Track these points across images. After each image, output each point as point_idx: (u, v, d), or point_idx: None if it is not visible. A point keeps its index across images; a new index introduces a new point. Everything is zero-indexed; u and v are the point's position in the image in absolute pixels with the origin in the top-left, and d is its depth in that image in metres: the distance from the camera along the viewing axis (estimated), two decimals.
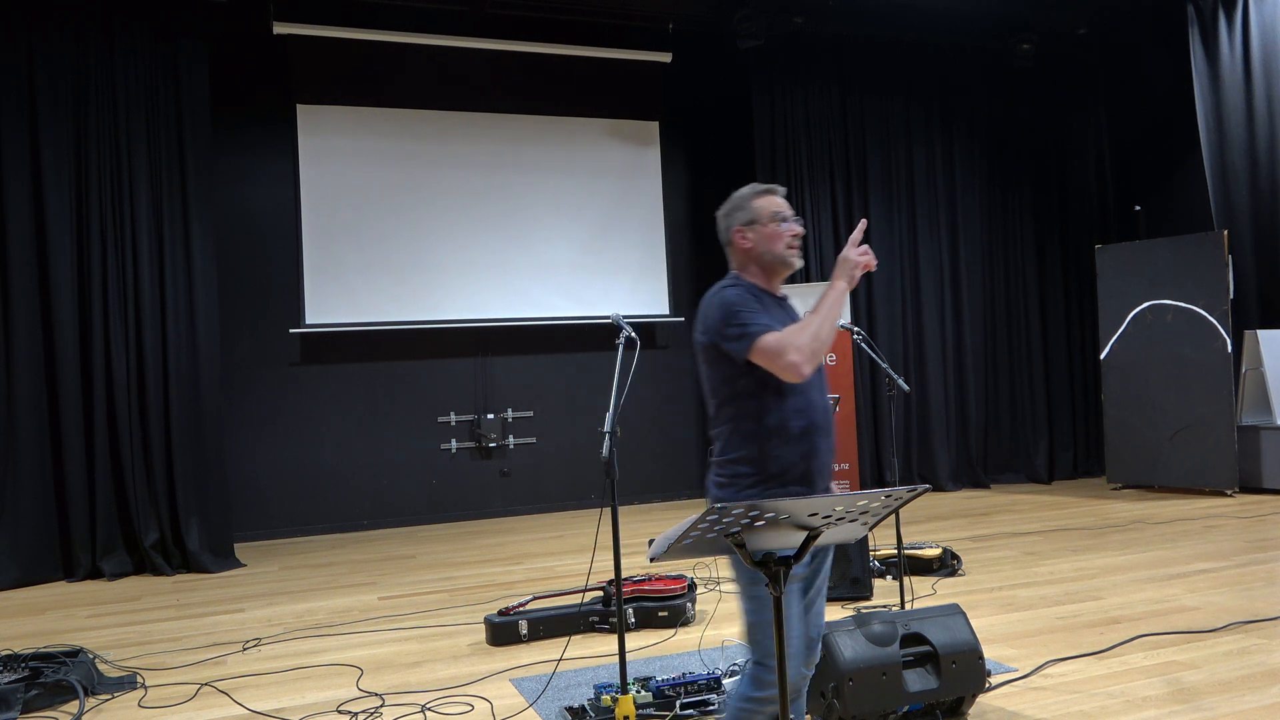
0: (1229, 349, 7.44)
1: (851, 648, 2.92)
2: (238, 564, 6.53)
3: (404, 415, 7.94)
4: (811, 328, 2.27)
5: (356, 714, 3.47)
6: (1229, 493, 7.46)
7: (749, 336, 2.27)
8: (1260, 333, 7.57)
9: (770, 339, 2.25)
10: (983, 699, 3.26)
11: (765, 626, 2.29)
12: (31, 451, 6.20)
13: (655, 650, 4.13)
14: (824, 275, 8.36)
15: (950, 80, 8.94)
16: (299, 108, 7.58)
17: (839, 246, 8.51)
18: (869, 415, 8.42)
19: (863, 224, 2.47)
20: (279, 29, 7.39)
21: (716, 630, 4.37)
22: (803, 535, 1.92)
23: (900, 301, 8.70)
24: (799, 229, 2.43)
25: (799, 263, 2.44)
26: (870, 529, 2.05)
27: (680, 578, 4.67)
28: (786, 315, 2.42)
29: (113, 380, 6.40)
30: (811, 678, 3.01)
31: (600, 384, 8.40)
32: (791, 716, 2.27)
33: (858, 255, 2.34)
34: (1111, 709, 3.20)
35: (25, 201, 6.28)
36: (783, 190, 2.48)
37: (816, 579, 2.42)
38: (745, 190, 2.47)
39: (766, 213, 2.41)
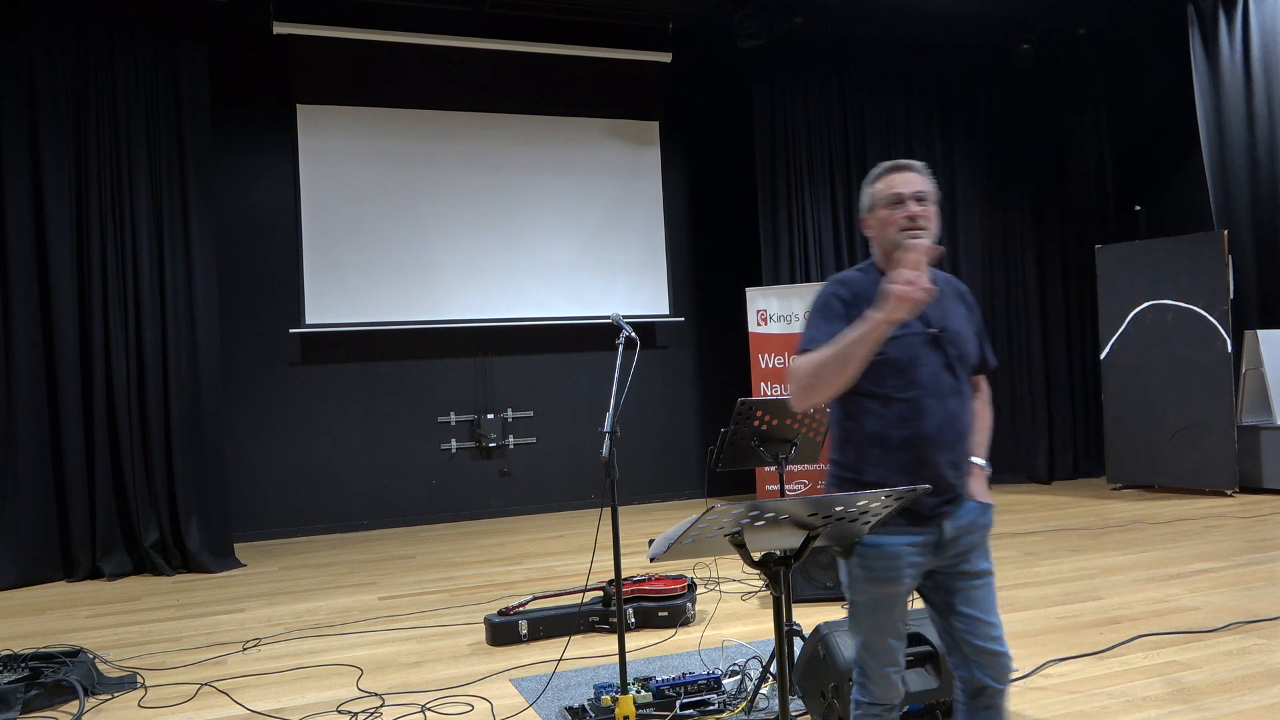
0: (1229, 349, 7.44)
1: (852, 648, 2.92)
2: (238, 564, 6.53)
3: (404, 415, 7.93)
4: (816, 360, 2.06)
5: (356, 714, 3.47)
6: (1229, 493, 7.46)
7: (801, 346, 2.16)
8: (1260, 333, 7.57)
9: (794, 361, 2.13)
10: None
11: (855, 630, 2.25)
12: (31, 451, 6.20)
13: (655, 650, 4.13)
14: (824, 275, 8.35)
15: (950, 80, 8.93)
16: (299, 108, 7.57)
17: (839, 247, 8.52)
18: None
19: (923, 247, 2.05)
20: (279, 29, 7.39)
21: (716, 630, 4.37)
22: (803, 535, 1.92)
23: None
24: (915, 209, 2.17)
25: (919, 244, 2.11)
26: (870, 529, 2.04)
27: (680, 578, 4.67)
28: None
29: (113, 380, 6.40)
30: (811, 678, 3.01)
31: (600, 384, 8.40)
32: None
33: (900, 285, 1.96)
34: (1111, 709, 3.20)
35: (25, 201, 6.28)
36: (915, 165, 2.23)
37: (955, 567, 2.23)
38: (874, 170, 2.28)
39: (882, 196, 2.22)
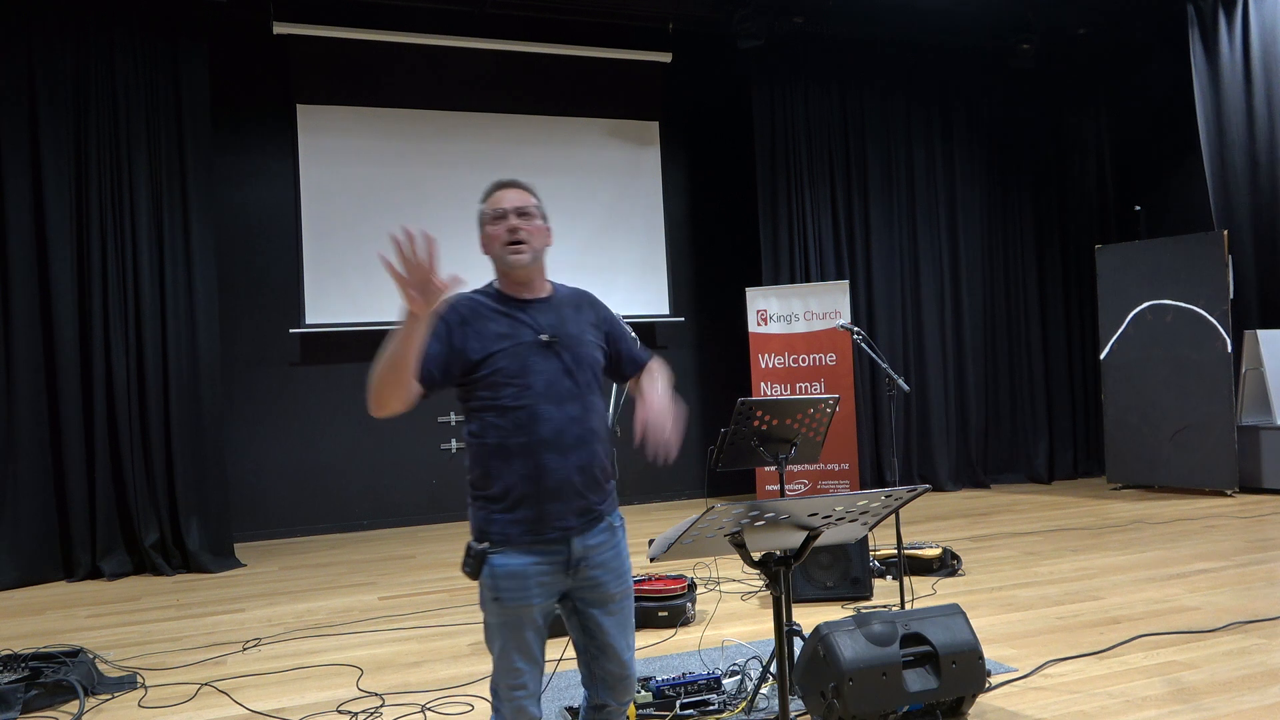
0: (1229, 349, 7.44)
1: (851, 648, 2.92)
2: (238, 564, 6.53)
3: (404, 415, 7.90)
4: (376, 367, 2.05)
5: (356, 714, 3.47)
6: (1229, 493, 7.46)
7: None
8: (1260, 333, 7.57)
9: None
10: (983, 699, 3.26)
11: (489, 648, 2.27)
12: (31, 451, 6.20)
13: (655, 650, 4.12)
14: (824, 275, 8.36)
15: (950, 80, 8.94)
16: (299, 108, 7.57)
17: (839, 247, 8.53)
18: (869, 415, 8.42)
19: (412, 234, 1.92)
20: (279, 29, 7.39)
21: (716, 630, 4.36)
22: (803, 535, 1.93)
23: (900, 301, 8.69)
24: (515, 222, 2.19)
25: (518, 260, 2.19)
26: (870, 529, 2.05)
27: (680, 578, 4.66)
28: (512, 326, 2.18)
29: (113, 380, 6.40)
30: (811, 678, 3.01)
31: None
32: None
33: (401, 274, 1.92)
34: (1111, 709, 3.20)
35: (25, 201, 6.28)
36: (519, 183, 2.27)
37: (588, 589, 2.23)
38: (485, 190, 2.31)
39: (487, 213, 2.25)
